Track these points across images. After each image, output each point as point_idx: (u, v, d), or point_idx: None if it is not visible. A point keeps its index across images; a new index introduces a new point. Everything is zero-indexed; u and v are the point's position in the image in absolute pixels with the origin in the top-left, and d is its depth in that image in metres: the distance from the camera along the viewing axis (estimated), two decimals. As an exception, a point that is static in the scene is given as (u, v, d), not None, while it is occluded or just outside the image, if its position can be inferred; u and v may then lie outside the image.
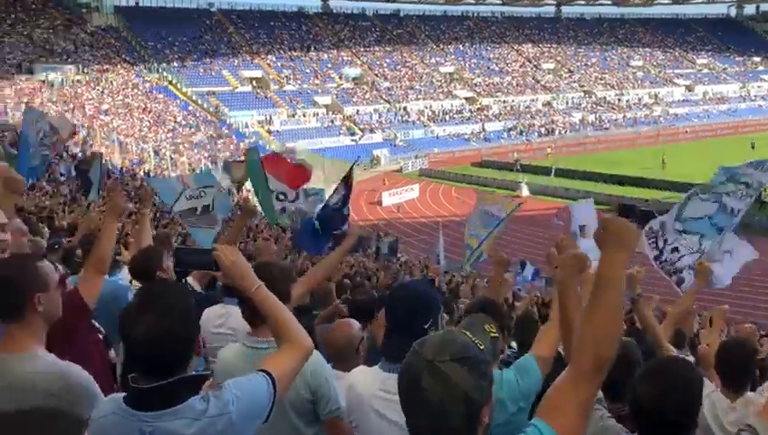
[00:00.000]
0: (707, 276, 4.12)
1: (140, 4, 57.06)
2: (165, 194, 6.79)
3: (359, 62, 60.59)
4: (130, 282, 3.90)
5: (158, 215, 17.53)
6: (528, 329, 3.85)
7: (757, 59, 78.00)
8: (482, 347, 1.44)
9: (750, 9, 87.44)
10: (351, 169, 6.70)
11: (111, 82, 44.64)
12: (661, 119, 61.60)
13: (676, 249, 5.60)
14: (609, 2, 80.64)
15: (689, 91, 69.65)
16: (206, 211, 6.45)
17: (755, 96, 70.40)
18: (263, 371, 1.92)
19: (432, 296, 2.42)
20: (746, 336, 4.52)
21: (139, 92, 44.98)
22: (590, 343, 1.51)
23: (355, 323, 3.09)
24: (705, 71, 74.67)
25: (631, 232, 1.58)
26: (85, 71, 44.87)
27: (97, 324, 3.12)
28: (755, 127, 58.26)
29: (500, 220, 8.75)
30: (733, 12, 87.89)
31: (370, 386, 2.34)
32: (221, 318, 3.57)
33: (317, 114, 50.88)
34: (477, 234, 8.90)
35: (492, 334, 1.51)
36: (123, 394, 1.82)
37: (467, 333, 1.47)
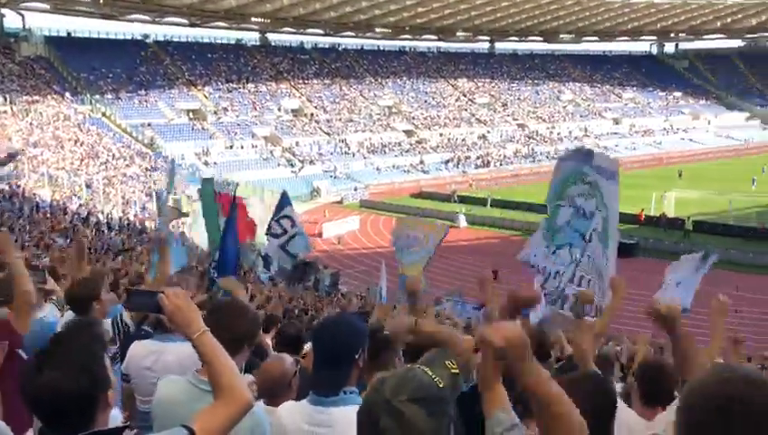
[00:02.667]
0: (622, 291, 4.10)
1: (72, 35, 55.75)
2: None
3: (297, 94, 60.80)
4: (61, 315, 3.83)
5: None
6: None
7: (678, 94, 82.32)
8: (441, 384, 1.42)
9: (669, 48, 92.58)
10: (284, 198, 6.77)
11: (41, 114, 43.32)
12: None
13: (557, 273, 5.29)
14: (540, 38, 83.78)
15: (616, 123, 72.66)
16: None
17: (677, 129, 74.02)
18: (186, 427, 1.81)
19: (358, 327, 2.42)
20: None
21: (71, 124, 43.78)
22: None
23: (287, 358, 3.07)
24: (631, 105, 78.19)
25: (519, 338, 1.48)
26: (13, 101, 43.42)
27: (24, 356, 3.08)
28: (679, 158, 61.13)
29: (425, 247, 8.83)
30: (654, 49, 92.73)
31: (297, 420, 2.32)
32: (153, 355, 3.39)
33: (255, 146, 50.61)
34: (413, 260, 8.91)
35: (452, 370, 1.52)
36: None
37: (427, 370, 1.45)
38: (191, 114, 52.49)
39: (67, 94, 47.68)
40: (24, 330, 2.93)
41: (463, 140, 61.38)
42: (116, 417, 2.51)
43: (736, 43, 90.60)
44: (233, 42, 65.46)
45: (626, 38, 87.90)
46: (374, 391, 1.43)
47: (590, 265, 5.12)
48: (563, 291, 5.13)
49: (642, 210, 34.80)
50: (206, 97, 55.01)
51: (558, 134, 67.15)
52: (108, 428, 1.76)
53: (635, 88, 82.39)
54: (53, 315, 4.27)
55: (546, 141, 64.68)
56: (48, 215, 24.68)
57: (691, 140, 71.21)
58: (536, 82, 78.29)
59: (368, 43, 74.63)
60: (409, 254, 8.95)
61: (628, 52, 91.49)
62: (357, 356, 2.30)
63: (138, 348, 3.52)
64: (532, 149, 61.77)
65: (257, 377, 2.99)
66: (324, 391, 2.27)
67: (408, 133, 59.74)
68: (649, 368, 3.22)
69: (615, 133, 70.02)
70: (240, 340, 2.34)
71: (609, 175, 5.12)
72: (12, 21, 52.96)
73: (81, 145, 41.33)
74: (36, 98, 45.23)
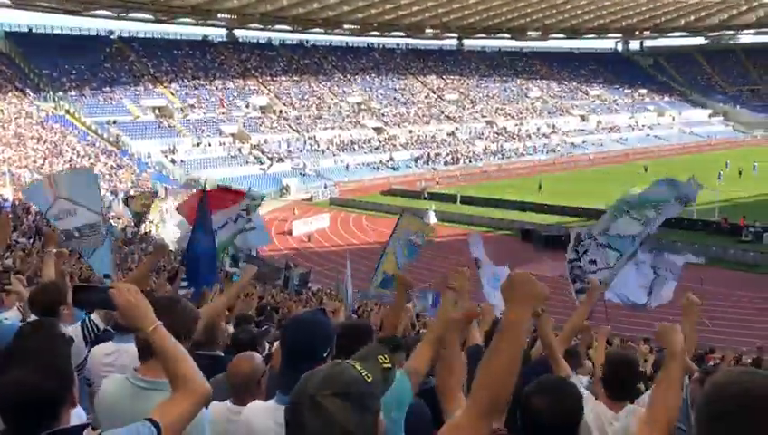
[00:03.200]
0: (596, 293, 4.37)
1: (34, 30, 54.49)
2: (35, 199, 6.25)
3: (266, 90, 60.33)
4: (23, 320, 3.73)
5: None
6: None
7: (643, 91, 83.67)
8: (369, 379, 1.40)
9: (635, 45, 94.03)
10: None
11: (2, 111, 42.29)
12: (558, 147, 64.62)
13: (593, 261, 5.84)
14: (508, 36, 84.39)
15: (584, 120, 73.56)
16: (86, 230, 5.93)
17: (643, 125, 75.22)
18: (150, 420, 1.81)
19: (326, 326, 2.40)
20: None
21: (33, 122, 42.83)
22: (488, 385, 1.60)
23: (257, 356, 3.04)
24: (598, 102, 79.24)
25: (537, 289, 1.64)
26: (-28, 99, 42.36)
27: None
28: (644, 154, 62.09)
29: (416, 247, 8.96)
30: (620, 47, 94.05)
31: (265, 419, 2.30)
32: (110, 356, 3.37)
33: (223, 143, 50.10)
34: (400, 260, 9.06)
35: (384, 365, 1.49)
36: None
37: (356, 364, 1.42)
38: (157, 111, 51.76)
39: (29, 91, 46.64)
40: None
41: (432, 136, 61.57)
42: (81, 415, 2.47)
43: (699, 41, 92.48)
44: (199, 38, 64.67)
45: (592, 35, 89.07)
46: (299, 386, 1.41)
47: (614, 276, 5.81)
48: (585, 274, 5.77)
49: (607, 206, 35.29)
50: (172, 94, 54.28)
51: (526, 131, 67.73)
52: (70, 426, 1.74)
53: (602, 85, 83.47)
54: (15, 318, 4.16)
55: (514, 138, 65.20)
56: (10, 215, 24.11)
57: (656, 136, 72.41)
58: (504, 78, 78.84)
59: (336, 39, 74.39)
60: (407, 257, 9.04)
61: (594, 49, 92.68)
62: (325, 355, 2.27)
63: (96, 351, 3.51)
64: (501, 146, 62.23)
65: (226, 375, 2.97)
66: (290, 391, 2.25)
67: (378, 130, 59.73)
68: (614, 362, 3.25)
69: (582, 130, 70.89)
70: (177, 335, 2.29)
71: (683, 199, 5.81)
72: (-30, 16, 51.66)
73: (44, 143, 40.47)
74: (-3, 95, 44.17)
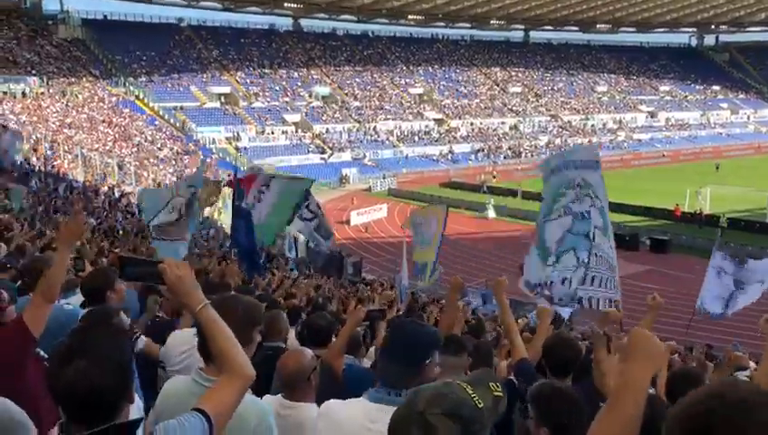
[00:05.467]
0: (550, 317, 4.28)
1: (108, 18, 56.41)
2: (149, 208, 6.67)
3: (329, 80, 60.77)
4: (83, 305, 3.78)
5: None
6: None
7: (717, 88, 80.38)
8: (480, 405, 1.35)
9: (710, 40, 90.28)
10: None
11: (76, 96, 43.93)
12: (625, 144, 62.87)
13: (565, 279, 5.58)
14: (576, 28, 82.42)
15: (652, 117, 71.30)
16: (179, 219, 6.22)
17: (715, 123, 72.38)
18: (198, 410, 1.82)
19: (435, 335, 2.40)
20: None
21: (105, 106, 44.34)
22: None
23: (308, 352, 3.03)
24: (668, 98, 76.61)
25: (658, 348, 1.53)
26: (49, 83, 44.11)
27: (42, 353, 2.99)
28: (715, 154, 59.80)
29: (430, 230, 8.92)
30: (694, 42, 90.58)
31: (356, 416, 2.24)
32: (188, 345, 3.37)
33: (286, 132, 50.76)
34: (428, 244, 9.03)
35: (495, 393, 1.40)
36: None
37: (467, 388, 1.37)
38: (223, 99, 52.82)
39: (101, 77, 48.30)
40: (38, 330, 2.80)
41: (494, 130, 60.82)
42: (140, 407, 2.47)
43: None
44: (266, 27, 65.59)
45: (664, 29, 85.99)
46: (408, 400, 1.37)
47: (599, 262, 5.45)
48: (576, 293, 5.46)
49: (677, 205, 34.11)
50: (237, 82, 55.28)
51: (591, 126, 66.15)
52: (128, 420, 1.74)
53: (672, 81, 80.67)
54: (77, 303, 4.23)
55: (579, 133, 63.80)
56: (81, 195, 25.01)
57: (729, 135, 69.58)
58: (571, 72, 77.12)
59: (400, 30, 74.18)
60: (421, 239, 9.01)
61: (666, 43, 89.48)
62: (428, 361, 2.25)
63: (174, 338, 3.61)
64: (565, 141, 60.99)
65: (277, 370, 2.98)
66: (389, 386, 2.23)
67: (439, 122, 59.39)
68: (554, 341, 3.46)
69: (650, 127, 68.76)
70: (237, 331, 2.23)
71: (591, 165, 5.64)
72: (51, 3, 53.82)
73: (114, 127, 41.86)
74: (72, 80, 45.90)
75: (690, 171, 47.91)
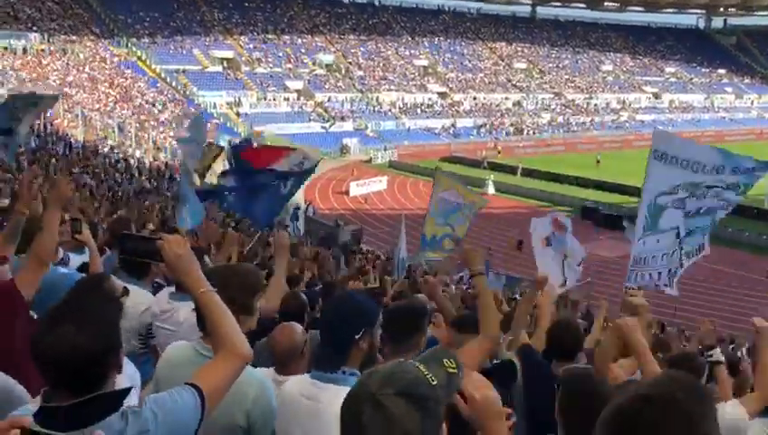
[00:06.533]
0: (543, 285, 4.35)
1: (112, -24, 55.56)
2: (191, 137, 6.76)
3: (333, 48, 60.19)
4: (80, 268, 3.80)
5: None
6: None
7: (722, 71, 79.84)
8: (434, 383, 1.33)
9: (717, 22, 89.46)
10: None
11: (78, 54, 43.52)
12: (627, 124, 62.62)
13: (660, 255, 5.75)
14: (584, 5, 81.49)
15: (656, 98, 70.91)
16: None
17: (718, 107, 72.03)
18: (191, 384, 1.81)
19: (364, 308, 2.35)
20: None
21: (106, 66, 43.96)
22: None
23: (298, 327, 3.04)
24: (673, 79, 76.11)
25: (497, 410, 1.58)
26: (50, 40, 43.65)
27: (35, 316, 3.00)
28: (717, 137, 59.56)
29: (459, 208, 8.90)
30: (701, 24, 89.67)
31: (296, 389, 2.34)
32: (166, 313, 3.41)
33: (288, 99, 50.43)
34: (446, 222, 9.02)
35: (449, 370, 1.41)
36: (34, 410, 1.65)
37: (421, 366, 1.36)
38: (225, 63, 52.34)
39: (104, 36, 47.78)
40: (30, 292, 2.79)
41: (497, 105, 60.49)
42: (134, 378, 2.47)
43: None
44: (271, -8, 64.73)
45: (673, 10, 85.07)
46: (360, 382, 1.34)
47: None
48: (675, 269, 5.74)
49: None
50: (240, 47, 54.73)
51: (595, 105, 65.81)
52: (114, 389, 1.67)
53: (678, 62, 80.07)
54: (78, 265, 4.23)
55: (582, 112, 63.50)
56: (80, 155, 24.93)
57: (731, 119, 69.29)
58: (577, 50, 76.46)
59: (406, 0, 73.31)
60: (455, 216, 8.98)
61: (673, 24, 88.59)
62: (357, 337, 2.24)
63: (155, 300, 3.61)
64: (568, 120, 60.72)
65: (268, 345, 3.00)
66: (322, 368, 2.28)
67: (442, 95, 59.01)
68: (557, 326, 3.56)
69: (654, 108, 68.41)
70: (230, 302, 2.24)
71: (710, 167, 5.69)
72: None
73: (115, 87, 41.56)
74: (74, 38, 45.41)
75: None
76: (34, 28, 44.02)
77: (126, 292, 3.05)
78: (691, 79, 77.09)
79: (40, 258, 2.91)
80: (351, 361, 2.26)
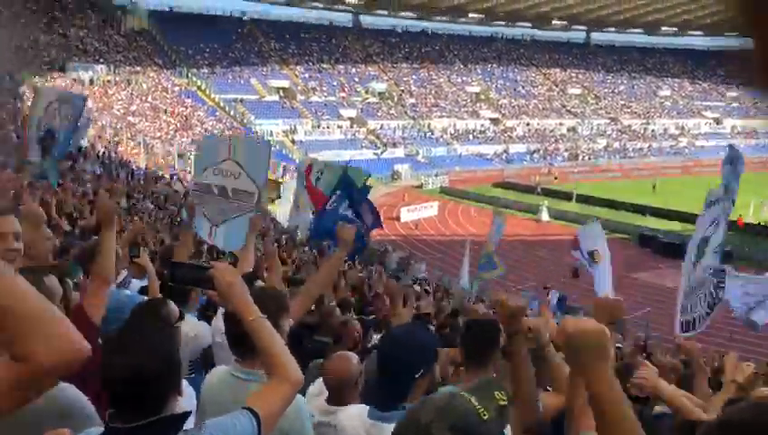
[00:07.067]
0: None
1: (174, 10, 57.85)
2: (205, 157, 5.80)
3: (385, 77, 60.90)
4: (140, 291, 3.91)
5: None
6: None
7: (788, 95, 77.10)
8: (485, 417, 1.32)
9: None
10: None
11: (141, 85, 45.28)
12: (686, 150, 61.04)
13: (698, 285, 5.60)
14: (641, 30, 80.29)
15: (717, 123, 68.99)
16: (222, 196, 5.53)
17: (784, 132, 69.54)
18: (248, 409, 1.81)
19: (425, 344, 2.32)
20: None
21: (168, 96, 45.57)
22: None
23: (353, 357, 3.01)
24: (735, 104, 73.97)
25: (600, 334, 1.42)
26: (116, 71, 45.60)
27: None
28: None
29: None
30: None
31: (357, 426, 2.30)
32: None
33: (341, 126, 51.17)
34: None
35: (500, 402, 1.39)
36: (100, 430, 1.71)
37: (473, 399, 1.34)
38: (281, 92, 53.56)
39: (166, 67, 49.60)
40: (98, 316, 2.85)
41: (551, 131, 59.91)
42: (191, 400, 2.48)
43: None
44: (326, 23, 66.17)
45: (735, 33, 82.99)
46: (411, 414, 1.34)
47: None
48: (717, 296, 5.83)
49: (741, 216, 33.02)
50: (296, 76, 55.95)
51: (652, 131, 64.47)
52: (174, 413, 1.73)
53: (741, 87, 77.78)
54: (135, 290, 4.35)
55: (639, 138, 62.28)
56: (142, 182, 25.77)
57: (798, 145, 66.73)
58: (633, 75, 75.27)
59: (459, 28, 73.69)
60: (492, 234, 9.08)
61: (735, 48, 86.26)
62: (417, 375, 2.22)
63: (216, 322, 3.65)
64: (624, 145, 59.62)
65: (323, 377, 2.96)
66: (381, 406, 2.25)
67: (495, 121, 58.84)
68: (475, 325, 2.96)
69: (715, 134, 66.52)
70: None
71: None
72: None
73: (176, 116, 42.98)
74: (137, 69, 47.30)
75: (755, 181, 46.08)
76: (101, 60, 46.07)
77: (182, 316, 3.08)
78: (755, 103, 74.74)
79: (102, 279, 2.94)
80: (411, 399, 2.23)
